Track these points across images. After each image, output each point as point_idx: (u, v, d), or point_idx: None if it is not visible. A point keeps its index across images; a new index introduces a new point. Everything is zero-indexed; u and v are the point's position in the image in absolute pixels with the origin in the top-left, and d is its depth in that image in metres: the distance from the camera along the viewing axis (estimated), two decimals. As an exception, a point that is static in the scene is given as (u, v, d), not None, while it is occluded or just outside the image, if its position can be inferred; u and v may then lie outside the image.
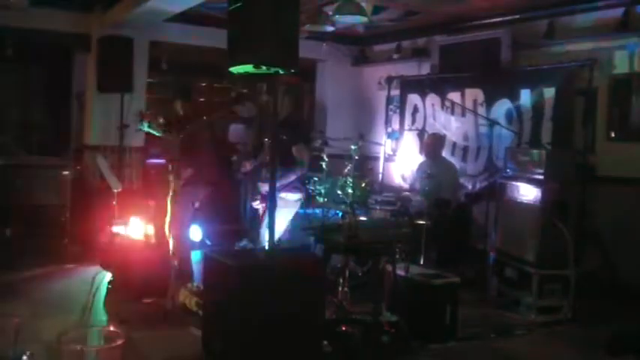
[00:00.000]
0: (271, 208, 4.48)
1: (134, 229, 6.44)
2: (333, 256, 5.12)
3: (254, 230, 7.18)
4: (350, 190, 5.36)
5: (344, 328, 4.71)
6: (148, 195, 7.37)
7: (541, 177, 5.96)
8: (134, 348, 4.32)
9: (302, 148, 5.67)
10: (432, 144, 7.78)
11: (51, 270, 6.68)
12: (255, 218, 6.63)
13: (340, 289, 5.04)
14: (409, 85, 9.21)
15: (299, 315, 4.14)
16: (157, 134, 6.09)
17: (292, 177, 5.71)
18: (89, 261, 6.57)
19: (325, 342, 4.47)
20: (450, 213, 7.06)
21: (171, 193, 5.77)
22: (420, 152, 7.75)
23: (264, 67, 4.14)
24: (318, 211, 6.38)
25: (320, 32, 7.69)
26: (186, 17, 7.79)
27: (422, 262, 6.10)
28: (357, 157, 5.36)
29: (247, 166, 6.56)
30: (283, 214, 5.66)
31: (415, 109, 9.09)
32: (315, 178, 6.12)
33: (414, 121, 9.12)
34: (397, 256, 5.13)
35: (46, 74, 9.30)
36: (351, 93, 10.29)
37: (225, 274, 4.30)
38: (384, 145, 9.15)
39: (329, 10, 7.23)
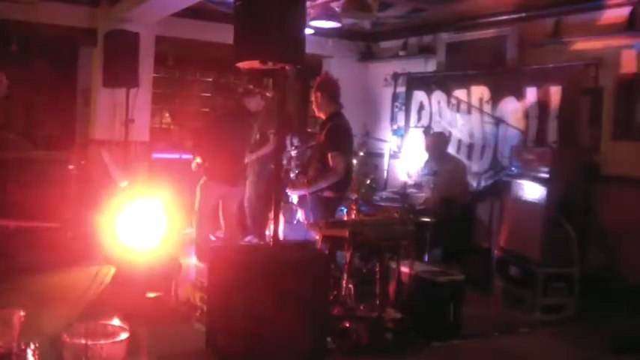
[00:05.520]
0: (276, 203, 4.48)
1: (139, 223, 6.44)
2: (338, 252, 5.11)
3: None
4: (355, 187, 5.35)
5: (348, 325, 4.71)
6: (154, 190, 7.37)
7: (546, 175, 5.95)
8: (137, 343, 4.31)
9: (338, 156, 5.54)
10: (434, 144, 7.64)
11: (55, 264, 6.68)
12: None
13: (344, 285, 5.03)
14: (415, 82, 9.20)
15: (303, 311, 4.15)
16: None
17: (323, 184, 5.61)
18: (93, 255, 6.56)
19: (329, 338, 4.49)
20: (455, 211, 7.05)
21: None
22: (426, 150, 7.71)
23: (270, 63, 4.14)
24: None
25: (326, 28, 7.67)
26: (192, 12, 7.79)
27: (426, 260, 6.10)
28: (362, 154, 5.33)
29: (247, 158, 6.56)
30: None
31: (421, 107, 9.08)
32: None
33: (419, 119, 9.11)
34: (402, 253, 5.12)
35: (51, 69, 9.30)
36: (357, 89, 10.22)
37: (229, 269, 4.31)
38: (389, 142, 9.14)
39: (336, 6, 7.21)
